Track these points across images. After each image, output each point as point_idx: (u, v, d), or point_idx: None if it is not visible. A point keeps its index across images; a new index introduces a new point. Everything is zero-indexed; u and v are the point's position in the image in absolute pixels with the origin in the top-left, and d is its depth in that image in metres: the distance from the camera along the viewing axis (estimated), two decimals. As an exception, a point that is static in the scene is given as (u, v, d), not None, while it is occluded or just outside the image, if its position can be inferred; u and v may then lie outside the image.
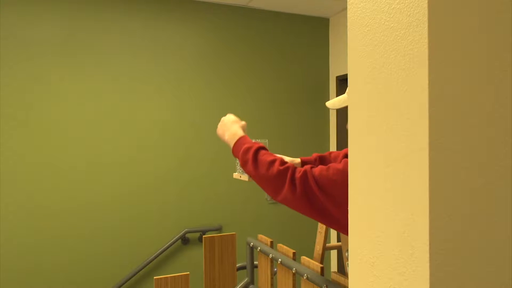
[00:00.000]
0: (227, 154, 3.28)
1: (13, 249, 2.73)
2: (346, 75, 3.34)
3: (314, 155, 1.50)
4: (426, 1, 0.51)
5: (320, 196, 1.05)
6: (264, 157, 1.16)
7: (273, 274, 1.78)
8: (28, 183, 2.77)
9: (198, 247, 3.22)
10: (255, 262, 1.96)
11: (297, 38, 3.56)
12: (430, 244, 0.51)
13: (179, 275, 1.70)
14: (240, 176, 1.46)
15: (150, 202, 3.08)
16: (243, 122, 1.36)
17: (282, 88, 3.50)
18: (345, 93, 1.28)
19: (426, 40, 0.52)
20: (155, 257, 3.03)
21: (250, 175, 1.20)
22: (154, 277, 1.68)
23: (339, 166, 1.06)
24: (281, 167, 1.11)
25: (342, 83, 3.57)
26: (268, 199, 3.45)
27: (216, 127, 3.22)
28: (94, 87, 2.93)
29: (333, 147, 3.65)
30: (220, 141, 3.27)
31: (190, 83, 3.20)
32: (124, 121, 3.01)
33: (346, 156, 1.45)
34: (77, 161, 2.89)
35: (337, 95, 3.59)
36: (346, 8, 3.39)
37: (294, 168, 1.12)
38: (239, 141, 1.25)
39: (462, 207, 0.53)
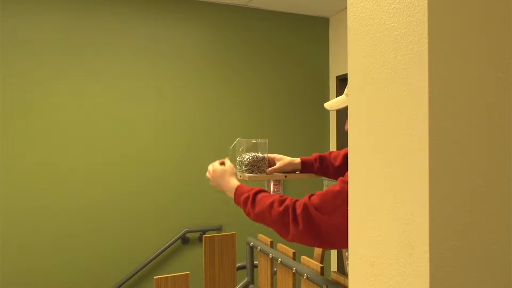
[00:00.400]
0: (227, 154, 3.28)
1: (13, 249, 2.73)
2: (346, 75, 3.34)
3: (314, 155, 1.50)
4: (426, 1, 0.51)
5: (324, 222, 1.04)
6: (262, 202, 1.16)
7: (273, 274, 1.78)
8: (28, 183, 2.77)
9: (198, 247, 3.22)
10: (255, 262, 1.96)
11: (297, 38, 3.56)
12: (430, 244, 0.51)
13: (179, 275, 1.70)
14: (240, 176, 1.46)
15: (150, 202, 3.08)
16: (229, 166, 1.36)
17: (282, 87, 3.50)
18: (343, 94, 1.28)
19: (426, 40, 0.52)
20: (155, 257, 3.03)
21: (258, 222, 1.21)
22: (154, 277, 1.68)
23: (337, 188, 1.06)
24: (281, 209, 1.11)
25: (342, 83, 3.57)
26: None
27: (216, 126, 3.24)
28: (94, 87, 2.93)
29: (333, 146, 3.65)
30: (220, 141, 3.27)
31: (190, 82, 3.20)
32: (124, 121, 3.01)
33: (346, 155, 1.45)
34: (77, 161, 2.89)
35: (337, 95, 3.58)
36: (346, 8, 3.38)
37: (293, 204, 1.11)
38: (237, 193, 1.26)
39: (462, 207, 0.53)
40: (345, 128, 1.10)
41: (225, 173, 1.33)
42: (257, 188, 1.22)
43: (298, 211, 1.08)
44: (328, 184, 2.33)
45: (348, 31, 0.68)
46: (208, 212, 3.25)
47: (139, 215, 3.04)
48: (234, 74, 3.34)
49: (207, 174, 1.39)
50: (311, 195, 1.11)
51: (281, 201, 1.13)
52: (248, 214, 1.21)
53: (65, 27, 2.86)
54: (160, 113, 3.11)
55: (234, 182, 1.30)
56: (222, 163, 1.40)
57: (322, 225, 1.05)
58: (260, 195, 1.19)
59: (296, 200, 1.12)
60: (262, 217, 1.16)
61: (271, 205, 1.13)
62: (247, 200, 1.20)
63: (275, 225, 1.14)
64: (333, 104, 1.29)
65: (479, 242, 0.54)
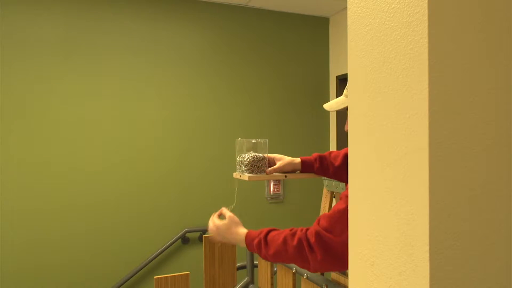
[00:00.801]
0: (227, 153, 3.28)
1: (13, 249, 2.73)
2: (346, 74, 3.34)
3: (314, 154, 1.49)
4: (426, 1, 0.51)
5: (339, 243, 1.04)
6: (274, 242, 1.15)
7: (273, 273, 1.78)
8: (28, 183, 2.77)
9: (198, 247, 3.22)
10: (255, 262, 1.96)
11: (297, 37, 3.56)
12: (430, 244, 0.51)
13: (179, 275, 1.70)
14: (240, 176, 1.46)
15: (150, 202, 3.08)
16: (229, 217, 1.32)
17: (282, 87, 3.50)
18: (343, 94, 1.28)
19: (426, 40, 0.52)
20: (155, 257, 3.03)
21: (279, 262, 1.20)
22: (154, 277, 1.68)
23: (342, 205, 1.06)
24: (294, 243, 1.10)
25: (342, 83, 3.57)
26: (268, 198, 3.45)
27: (216, 126, 3.24)
28: (94, 87, 2.93)
29: (333, 146, 3.65)
30: (220, 141, 3.27)
31: (190, 83, 3.20)
32: (124, 121, 3.01)
33: (346, 155, 1.45)
34: (77, 161, 2.89)
35: (337, 94, 3.58)
36: (346, 8, 3.39)
37: (305, 235, 1.10)
38: (248, 241, 1.24)
39: (462, 207, 0.53)
40: (345, 128, 1.10)
41: (230, 227, 1.31)
42: (265, 230, 1.20)
43: (312, 240, 1.07)
44: (328, 184, 2.33)
45: (348, 31, 0.68)
46: (208, 212, 3.23)
47: (139, 215, 3.05)
48: (234, 74, 3.34)
49: (210, 231, 1.35)
50: (319, 220, 1.10)
51: (293, 235, 1.12)
52: (265, 258, 1.20)
53: (65, 27, 2.86)
54: (160, 113, 3.11)
55: (242, 231, 1.28)
56: (220, 214, 1.37)
57: (338, 246, 1.04)
58: (270, 236, 1.17)
59: (307, 229, 1.11)
60: (280, 257, 1.15)
61: (284, 242, 1.12)
62: (259, 244, 1.19)
63: (294, 260, 1.13)
64: (332, 105, 1.29)
65: (479, 242, 0.54)
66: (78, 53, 2.89)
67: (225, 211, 1.35)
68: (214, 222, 1.34)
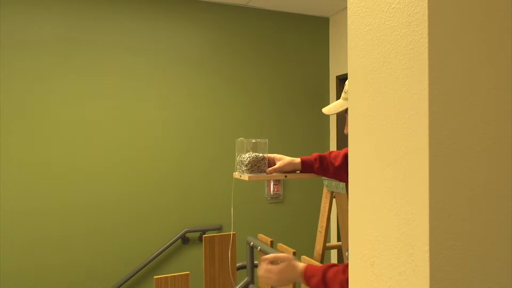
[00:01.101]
0: (227, 154, 3.28)
1: (13, 249, 2.73)
2: (346, 74, 3.34)
3: (314, 154, 1.49)
4: (426, 1, 0.51)
5: None
6: (333, 284, 1.14)
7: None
8: (27, 183, 2.77)
9: (198, 247, 3.22)
10: (255, 262, 1.96)
11: (297, 37, 3.56)
12: (430, 244, 0.51)
13: (179, 275, 1.70)
14: (240, 176, 1.46)
15: (150, 202, 3.08)
16: (286, 256, 1.30)
17: (282, 87, 3.50)
18: (341, 98, 1.29)
19: (426, 40, 0.52)
20: (155, 257, 3.03)
21: None
22: (154, 277, 1.68)
23: None
24: None
25: (342, 83, 3.57)
26: (268, 198, 3.45)
27: (216, 126, 3.24)
28: (94, 87, 2.93)
29: (333, 146, 3.65)
30: (220, 141, 3.27)
31: (190, 83, 3.20)
32: (124, 121, 3.01)
33: (346, 155, 1.45)
34: (77, 161, 2.89)
35: (337, 94, 3.59)
36: (346, 8, 3.39)
37: None
38: (306, 276, 1.23)
39: (462, 207, 0.53)
40: (345, 131, 1.09)
41: (290, 263, 1.27)
42: (322, 268, 1.19)
43: None
44: (328, 184, 2.33)
45: (348, 31, 0.68)
46: (208, 212, 3.25)
47: (139, 215, 3.05)
48: (234, 74, 3.34)
49: (268, 280, 1.30)
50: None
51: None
52: None
53: (65, 27, 2.86)
54: (160, 113, 3.11)
55: (301, 265, 1.27)
56: (268, 261, 1.33)
57: None
58: (328, 276, 1.16)
59: None
60: None
61: (342, 284, 1.12)
62: (318, 285, 1.18)
63: None
64: (331, 108, 1.29)
65: (479, 242, 0.54)
66: (78, 53, 2.89)
67: (278, 254, 1.33)
68: (270, 269, 1.30)
